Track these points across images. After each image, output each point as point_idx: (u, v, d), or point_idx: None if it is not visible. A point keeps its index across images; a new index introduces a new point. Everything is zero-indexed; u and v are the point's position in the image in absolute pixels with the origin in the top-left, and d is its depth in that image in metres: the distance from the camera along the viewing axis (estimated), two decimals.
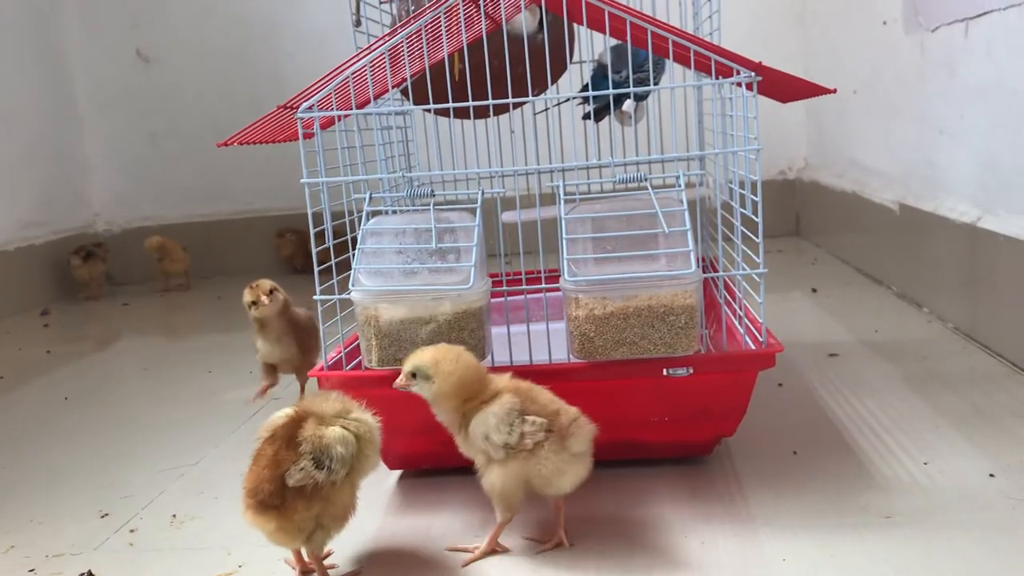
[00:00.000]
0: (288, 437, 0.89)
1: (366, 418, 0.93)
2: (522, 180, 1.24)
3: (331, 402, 0.92)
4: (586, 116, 1.45)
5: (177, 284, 3.00)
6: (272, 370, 1.47)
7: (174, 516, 1.15)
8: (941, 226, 1.74)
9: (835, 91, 1.11)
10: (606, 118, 1.43)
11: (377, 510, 1.11)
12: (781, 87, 1.13)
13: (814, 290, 2.13)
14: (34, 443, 1.49)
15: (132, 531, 1.11)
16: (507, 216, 1.26)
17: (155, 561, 1.03)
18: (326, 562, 0.97)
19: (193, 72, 3.06)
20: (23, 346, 2.27)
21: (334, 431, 0.89)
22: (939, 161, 1.80)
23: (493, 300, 1.12)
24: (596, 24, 1.09)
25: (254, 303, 1.37)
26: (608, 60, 1.42)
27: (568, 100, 1.43)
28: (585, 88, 1.49)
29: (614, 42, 1.35)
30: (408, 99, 1.40)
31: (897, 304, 1.94)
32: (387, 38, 1.08)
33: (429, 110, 1.14)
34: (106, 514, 1.17)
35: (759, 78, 1.03)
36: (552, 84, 1.39)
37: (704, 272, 1.31)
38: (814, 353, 1.62)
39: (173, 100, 3.08)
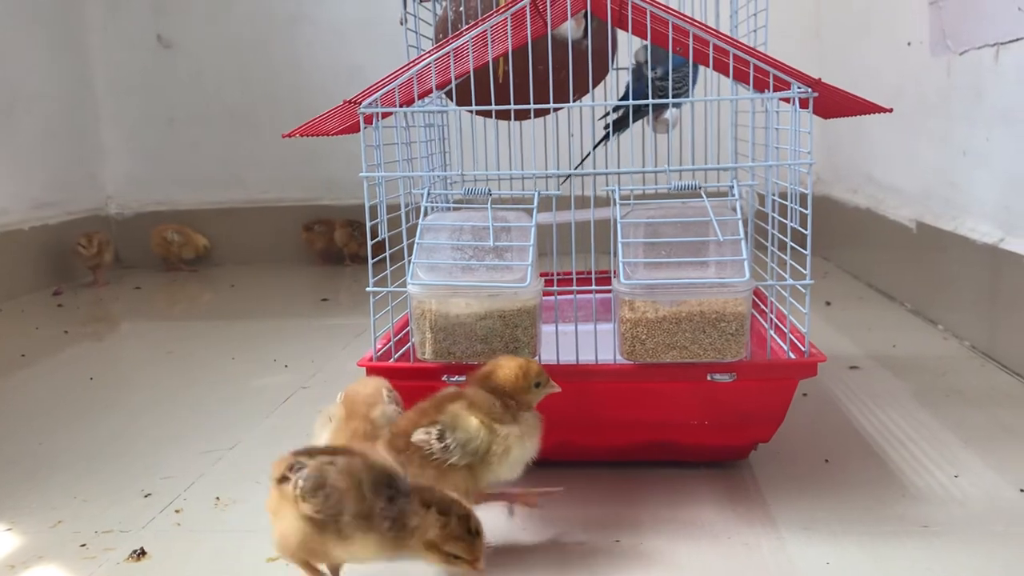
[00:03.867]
0: (442, 403, 0.94)
1: (512, 433, 0.94)
2: (569, 182, 1.25)
3: (489, 400, 0.94)
4: (608, 128, 1.48)
5: (189, 268, 3.02)
6: None
7: (217, 499, 1.16)
8: (960, 245, 1.78)
9: (891, 110, 1.14)
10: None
11: None
12: (830, 103, 1.15)
13: (828, 303, 2.16)
14: (64, 421, 1.50)
15: (177, 511, 1.13)
16: (544, 217, 1.28)
17: (206, 541, 1.05)
18: None
19: (213, 59, 3.07)
20: (40, 325, 2.28)
21: (472, 420, 0.92)
22: (961, 182, 1.83)
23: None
24: (659, 39, 1.11)
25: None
26: (646, 58, 1.45)
27: (617, 109, 1.46)
28: (626, 95, 1.52)
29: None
30: (451, 99, 1.42)
31: (912, 320, 1.97)
32: (449, 41, 1.10)
33: (489, 112, 1.16)
34: (149, 494, 1.18)
35: (815, 94, 1.06)
36: (593, 89, 1.42)
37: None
38: (834, 366, 1.65)
39: (191, 86, 3.09)
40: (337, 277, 2.86)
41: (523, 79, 1.17)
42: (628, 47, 1.46)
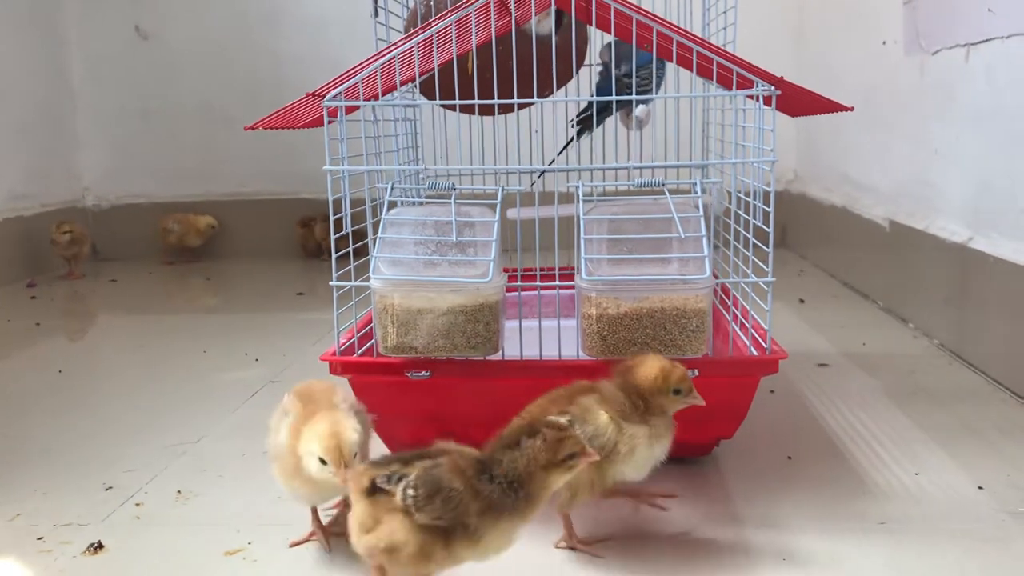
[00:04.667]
0: (572, 395, 0.95)
1: (639, 433, 0.94)
2: (543, 178, 1.26)
3: (621, 399, 0.95)
4: (577, 127, 1.48)
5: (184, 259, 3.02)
6: None
7: (179, 492, 1.16)
8: (931, 245, 1.79)
9: (852, 108, 1.14)
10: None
11: None
12: (795, 102, 1.16)
13: (801, 301, 2.17)
14: (31, 415, 1.49)
15: (138, 504, 1.13)
16: (512, 213, 1.28)
17: (164, 535, 1.04)
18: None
19: (191, 52, 3.06)
20: (12, 317, 2.26)
21: (602, 415, 0.93)
22: (933, 181, 1.84)
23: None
24: (623, 33, 1.11)
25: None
26: (611, 56, 1.45)
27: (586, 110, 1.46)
28: (596, 92, 1.52)
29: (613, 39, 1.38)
30: (422, 93, 1.42)
31: (883, 318, 1.98)
32: (414, 35, 1.10)
33: (453, 106, 1.16)
34: (110, 487, 1.18)
35: (778, 92, 1.06)
36: (563, 86, 1.42)
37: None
38: (803, 363, 1.65)
39: (169, 78, 3.08)
40: (315, 271, 2.85)
41: (493, 74, 1.17)
42: (597, 44, 1.46)
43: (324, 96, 1.10)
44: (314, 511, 1.02)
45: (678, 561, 0.96)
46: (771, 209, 1.11)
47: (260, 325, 2.12)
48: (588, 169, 1.16)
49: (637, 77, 1.36)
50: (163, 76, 3.08)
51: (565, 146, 1.46)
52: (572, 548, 0.99)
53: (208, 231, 3.01)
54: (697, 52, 1.06)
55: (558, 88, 1.41)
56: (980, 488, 1.11)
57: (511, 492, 0.80)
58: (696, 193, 1.09)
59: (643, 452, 0.95)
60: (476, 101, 1.13)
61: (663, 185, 1.10)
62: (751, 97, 1.13)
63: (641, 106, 1.42)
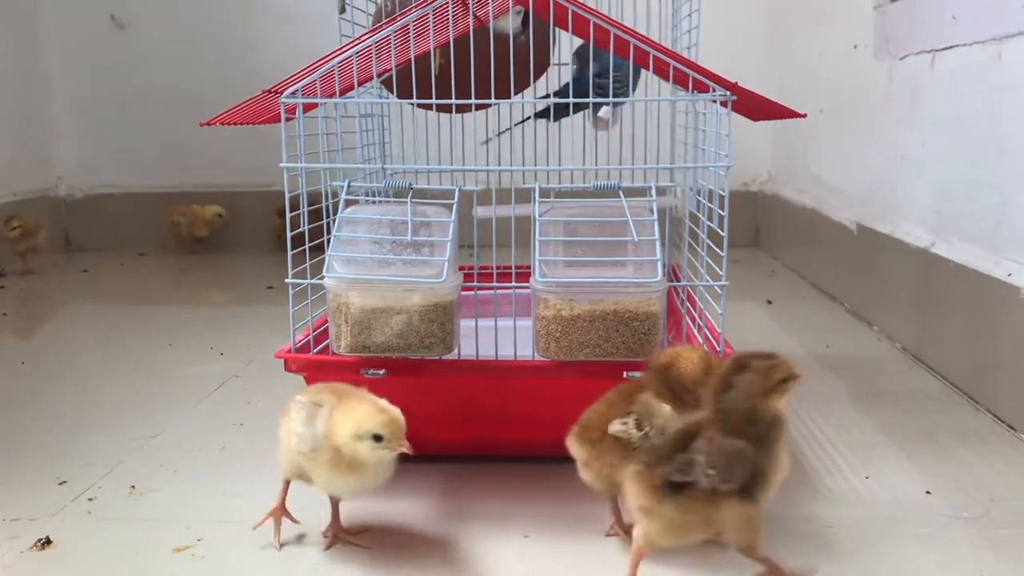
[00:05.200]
0: (630, 394, 0.96)
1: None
2: (495, 177, 1.26)
3: (668, 396, 0.96)
4: (541, 115, 1.48)
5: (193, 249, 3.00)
6: None
7: (133, 487, 1.16)
8: (896, 248, 1.80)
9: (805, 115, 1.15)
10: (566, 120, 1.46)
11: None
12: (753, 107, 1.16)
13: (769, 302, 2.19)
14: None
15: (91, 499, 1.12)
16: (481, 212, 1.28)
17: (114, 530, 1.04)
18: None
19: (166, 42, 3.04)
20: None
21: (665, 408, 0.95)
22: (899, 185, 1.86)
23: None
24: (581, 33, 1.12)
25: None
26: (583, 56, 1.45)
27: (547, 102, 1.46)
28: (565, 86, 1.53)
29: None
30: (389, 90, 1.42)
31: (849, 321, 1.99)
32: (375, 31, 1.10)
33: (411, 103, 1.16)
34: (64, 481, 1.17)
35: (734, 97, 1.07)
36: (532, 84, 1.42)
37: (670, 280, 1.35)
38: None
39: (144, 68, 3.06)
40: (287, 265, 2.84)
41: (459, 72, 1.18)
42: (568, 44, 1.46)
43: (281, 93, 1.10)
44: (335, 511, 1.02)
45: (613, 560, 0.96)
46: (725, 213, 1.11)
47: (228, 318, 2.12)
48: (545, 170, 1.16)
49: (610, 80, 1.36)
50: (139, 66, 3.06)
51: (521, 121, 1.46)
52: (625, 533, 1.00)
53: (216, 221, 2.97)
54: (653, 56, 1.06)
55: (522, 89, 1.41)
56: (928, 493, 1.12)
57: (767, 439, 0.85)
58: (651, 196, 1.09)
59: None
60: (446, 101, 1.13)
61: (619, 187, 1.11)
62: (712, 102, 1.13)
63: (605, 107, 1.42)
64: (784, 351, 1.71)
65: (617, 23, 1.06)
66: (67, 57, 3.06)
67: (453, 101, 1.11)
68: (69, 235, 3.09)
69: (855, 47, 2.11)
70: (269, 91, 1.09)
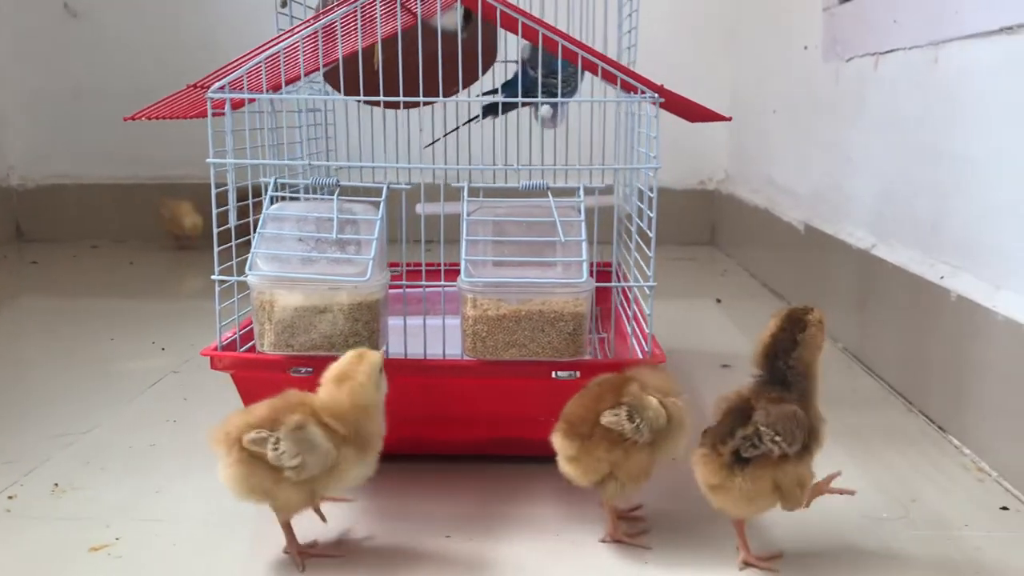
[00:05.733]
0: (616, 386, 0.96)
1: (681, 406, 0.98)
2: (429, 175, 1.25)
3: (657, 379, 0.99)
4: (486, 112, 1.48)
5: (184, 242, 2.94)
6: None
7: (56, 485, 1.14)
8: (840, 249, 1.82)
9: (730, 119, 1.16)
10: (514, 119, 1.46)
11: None
12: (687, 108, 1.17)
13: (718, 300, 2.20)
14: None
15: (10, 498, 1.11)
16: (423, 208, 1.28)
17: (30, 530, 1.03)
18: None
19: (121, 31, 3.00)
20: None
21: (653, 400, 0.96)
22: (845, 187, 1.87)
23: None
24: (513, 31, 1.12)
25: None
26: (528, 55, 1.45)
27: (488, 98, 1.46)
28: (506, 83, 1.53)
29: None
30: (333, 86, 1.41)
31: None
32: (302, 27, 1.09)
33: (356, 100, 1.15)
34: None
35: (662, 99, 1.07)
36: (474, 83, 1.42)
37: (614, 279, 1.35)
38: (707, 364, 1.67)
39: (99, 58, 3.01)
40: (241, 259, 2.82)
41: (395, 68, 1.17)
42: (517, 41, 1.46)
43: (208, 88, 1.09)
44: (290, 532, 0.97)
45: (540, 561, 0.96)
46: (654, 214, 1.11)
47: (174, 313, 2.10)
48: (475, 169, 1.16)
49: (555, 80, 1.36)
50: (93, 55, 3.02)
51: (467, 122, 1.45)
52: (618, 542, 1.00)
53: (193, 230, 2.88)
54: (582, 57, 1.06)
55: (468, 86, 1.41)
56: (851, 494, 1.13)
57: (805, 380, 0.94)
58: (579, 197, 1.09)
59: (688, 422, 0.99)
60: (359, 98, 1.12)
61: (548, 187, 1.10)
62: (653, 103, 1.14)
63: (546, 107, 1.42)
64: (726, 350, 1.75)
65: (546, 23, 1.05)
66: (18, 45, 3.01)
67: (383, 98, 1.10)
68: (20, 226, 3.05)
69: (806, 48, 2.12)
70: (195, 86, 1.07)
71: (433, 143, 1.43)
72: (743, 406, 0.92)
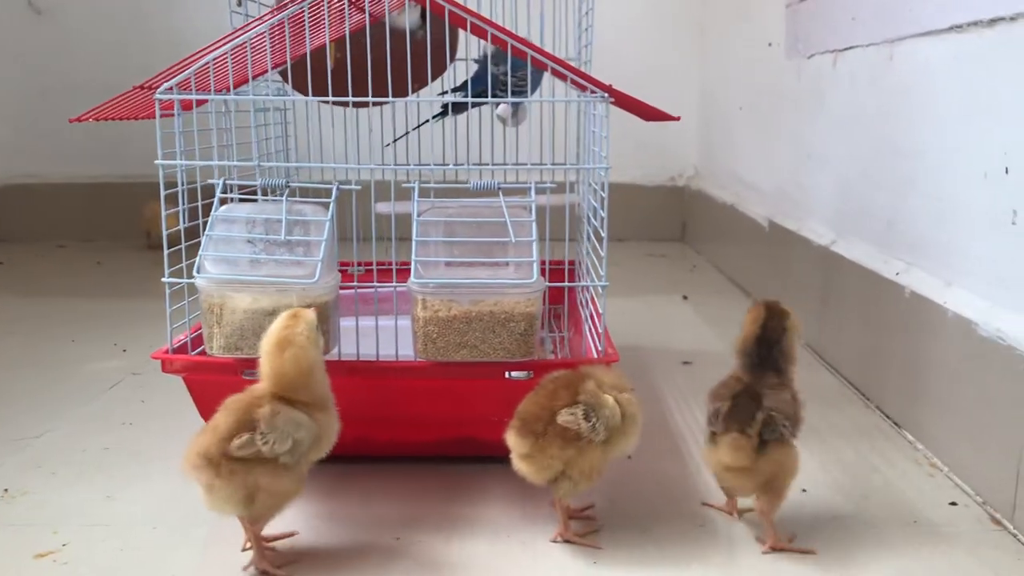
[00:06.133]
0: (571, 384, 0.97)
1: (634, 401, 0.99)
2: (390, 174, 1.25)
3: (611, 376, 1.00)
4: (443, 112, 1.47)
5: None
6: None
7: (5, 490, 1.13)
8: (802, 246, 1.83)
9: (679, 119, 1.16)
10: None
11: None
12: (637, 108, 1.17)
13: (685, 297, 2.20)
14: None
15: None
16: (382, 207, 1.27)
17: None
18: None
19: (87, 29, 2.97)
20: None
21: (609, 398, 0.96)
22: (806, 183, 1.88)
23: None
24: (463, 27, 1.11)
25: None
26: (490, 52, 1.45)
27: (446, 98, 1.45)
28: (465, 83, 1.52)
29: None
30: (288, 84, 1.40)
31: None
32: (253, 25, 1.08)
33: (317, 100, 1.15)
34: None
35: (611, 99, 1.07)
36: (432, 81, 1.41)
37: (577, 279, 1.35)
38: (669, 360, 1.68)
39: (65, 56, 2.98)
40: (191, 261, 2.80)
41: (354, 66, 1.16)
42: (476, 40, 1.45)
43: (156, 88, 1.08)
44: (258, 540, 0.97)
45: (489, 562, 0.96)
46: (605, 214, 1.11)
47: (137, 313, 2.08)
48: (429, 168, 1.16)
49: (514, 78, 1.36)
50: (58, 53, 2.98)
51: (422, 123, 1.45)
52: (569, 542, 1.00)
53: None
54: (532, 57, 1.06)
55: (424, 86, 1.40)
56: (804, 491, 1.14)
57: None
58: (530, 197, 1.09)
59: (640, 417, 1.00)
60: (308, 97, 1.11)
61: (499, 188, 1.10)
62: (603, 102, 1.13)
63: (503, 105, 1.42)
64: (689, 347, 1.76)
65: (494, 23, 1.05)
66: None
67: (332, 99, 1.10)
68: None
69: (770, 45, 2.13)
70: (142, 87, 1.06)
71: (395, 141, 1.42)
72: (751, 392, 0.98)
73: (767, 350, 0.99)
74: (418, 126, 1.45)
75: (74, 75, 2.99)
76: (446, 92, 1.47)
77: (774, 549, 0.98)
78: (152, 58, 2.91)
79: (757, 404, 0.96)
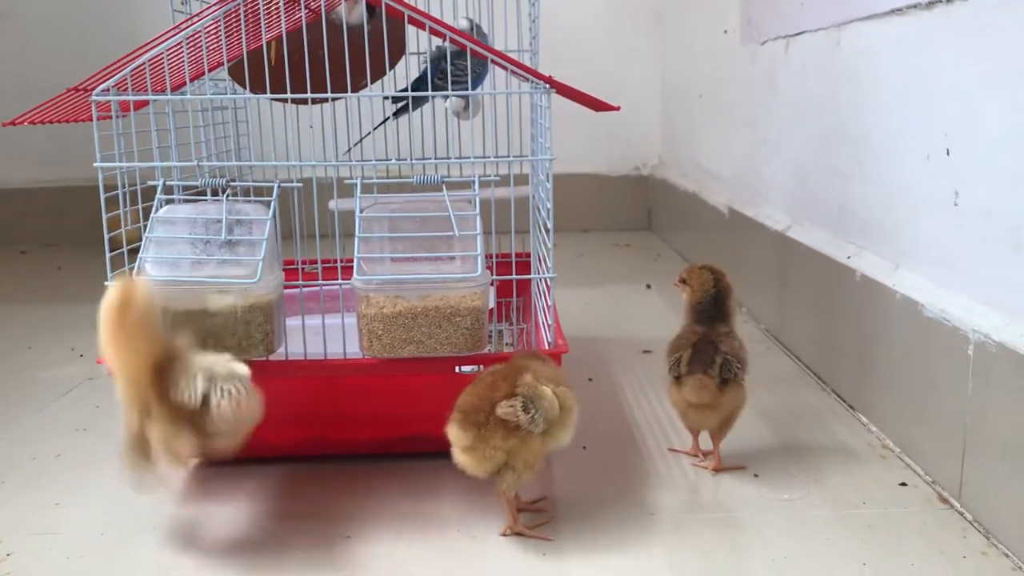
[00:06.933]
0: (509, 376, 0.97)
1: (570, 395, 1.00)
2: (321, 171, 1.24)
3: (548, 368, 1.01)
4: (396, 108, 1.47)
5: None
6: None
7: None
8: (759, 232, 1.83)
9: (619, 108, 1.16)
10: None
11: None
12: (581, 98, 1.16)
13: (648, 286, 2.21)
14: None
15: None
16: (332, 204, 1.27)
17: None
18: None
19: (46, 32, 2.94)
20: None
21: (547, 390, 0.96)
22: (763, 170, 1.89)
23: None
24: (412, 22, 1.11)
25: None
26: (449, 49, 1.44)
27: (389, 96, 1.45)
28: (418, 79, 1.51)
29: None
30: (240, 84, 1.39)
31: None
32: (183, 26, 1.07)
33: (238, 97, 1.13)
34: None
35: (553, 90, 1.07)
36: (380, 77, 1.40)
37: (533, 271, 1.35)
38: (629, 350, 1.68)
39: (24, 57, 2.95)
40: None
41: (298, 62, 1.15)
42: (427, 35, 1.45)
43: (91, 91, 1.06)
44: None
45: (439, 557, 0.96)
46: (551, 206, 1.11)
47: (96, 318, 2.06)
48: (372, 163, 1.15)
49: (453, 67, 1.36)
50: (16, 56, 2.95)
51: (380, 124, 1.44)
52: (519, 535, 1.00)
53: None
54: (472, 50, 1.05)
55: (376, 79, 1.39)
56: (756, 476, 1.14)
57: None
58: (473, 190, 1.09)
59: (576, 409, 1.00)
60: (246, 94, 1.10)
61: (443, 182, 1.10)
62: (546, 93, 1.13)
63: (450, 99, 1.42)
64: (649, 336, 1.76)
65: (433, 17, 1.05)
66: None
67: (271, 96, 1.09)
68: None
69: (726, 32, 2.13)
70: (76, 88, 1.05)
71: (350, 149, 1.41)
72: (708, 339, 1.12)
73: (720, 305, 1.15)
74: (382, 122, 1.44)
75: (30, 78, 2.95)
76: (405, 88, 1.47)
77: (716, 471, 1.14)
78: (112, 59, 2.89)
79: (715, 349, 1.11)
